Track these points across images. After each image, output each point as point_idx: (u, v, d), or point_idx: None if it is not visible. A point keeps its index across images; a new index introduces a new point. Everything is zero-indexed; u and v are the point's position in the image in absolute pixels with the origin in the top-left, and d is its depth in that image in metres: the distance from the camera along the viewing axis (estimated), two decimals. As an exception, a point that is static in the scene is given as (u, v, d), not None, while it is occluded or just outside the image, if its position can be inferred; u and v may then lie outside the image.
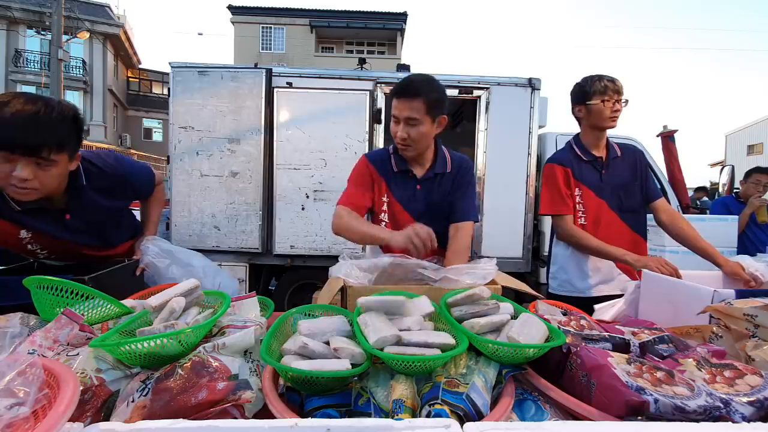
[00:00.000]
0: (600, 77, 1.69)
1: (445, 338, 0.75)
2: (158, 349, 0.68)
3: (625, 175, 1.76)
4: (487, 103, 3.60)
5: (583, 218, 1.74)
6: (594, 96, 1.67)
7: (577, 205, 1.74)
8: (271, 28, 19.50)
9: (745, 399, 0.61)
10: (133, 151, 15.46)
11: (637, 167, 1.78)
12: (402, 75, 3.71)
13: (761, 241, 3.27)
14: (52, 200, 1.16)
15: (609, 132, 1.77)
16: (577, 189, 1.74)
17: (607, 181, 1.74)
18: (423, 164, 1.48)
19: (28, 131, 0.96)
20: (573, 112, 1.78)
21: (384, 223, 1.50)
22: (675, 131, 4.11)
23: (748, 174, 3.44)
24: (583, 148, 1.76)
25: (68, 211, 1.19)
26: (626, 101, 1.69)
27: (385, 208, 1.48)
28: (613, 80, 1.68)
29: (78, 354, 0.70)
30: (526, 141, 3.61)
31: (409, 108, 1.32)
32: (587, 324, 0.88)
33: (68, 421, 0.48)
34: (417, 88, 1.32)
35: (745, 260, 1.38)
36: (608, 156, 1.77)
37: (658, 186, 2.86)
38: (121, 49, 19.63)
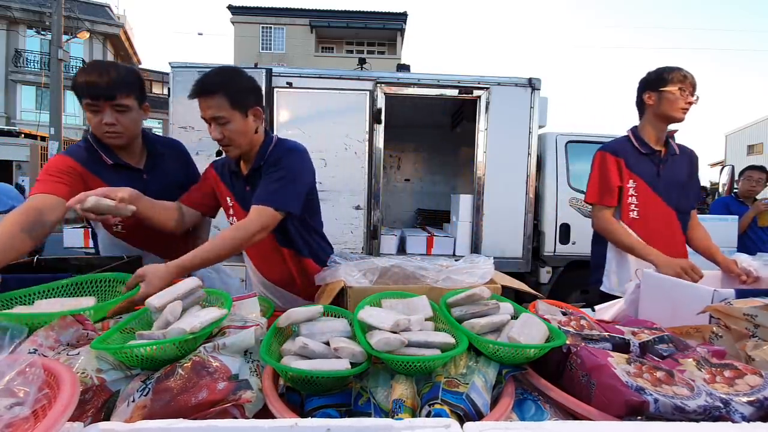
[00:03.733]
0: (680, 68, 1.62)
1: (445, 338, 0.75)
2: (158, 353, 0.68)
3: (682, 174, 1.71)
4: (487, 103, 3.60)
5: (635, 212, 1.67)
6: (671, 83, 1.60)
7: (630, 198, 1.67)
8: (271, 28, 19.50)
9: (744, 399, 0.61)
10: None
11: (693, 169, 1.74)
12: (402, 75, 3.71)
13: (763, 242, 3.29)
14: (134, 157, 1.41)
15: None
16: (630, 180, 1.66)
17: (665, 177, 1.67)
18: (249, 161, 1.36)
19: (106, 85, 1.24)
20: (639, 100, 1.71)
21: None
22: (675, 131, 4.10)
23: (742, 172, 3.53)
24: (641, 140, 1.70)
25: (146, 172, 1.42)
26: (698, 98, 1.62)
27: (231, 212, 1.42)
28: (691, 75, 1.62)
29: (78, 354, 0.70)
30: (526, 141, 3.61)
31: (210, 106, 1.21)
32: (587, 324, 0.88)
33: (68, 420, 0.48)
34: (213, 84, 1.20)
35: (740, 257, 1.40)
36: (667, 152, 1.71)
37: None
38: (121, 49, 19.63)
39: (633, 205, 1.66)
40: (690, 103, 1.61)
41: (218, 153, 1.38)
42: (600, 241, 1.80)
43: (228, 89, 1.21)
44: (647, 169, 1.67)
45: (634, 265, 1.62)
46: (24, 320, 0.76)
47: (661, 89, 1.62)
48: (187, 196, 1.41)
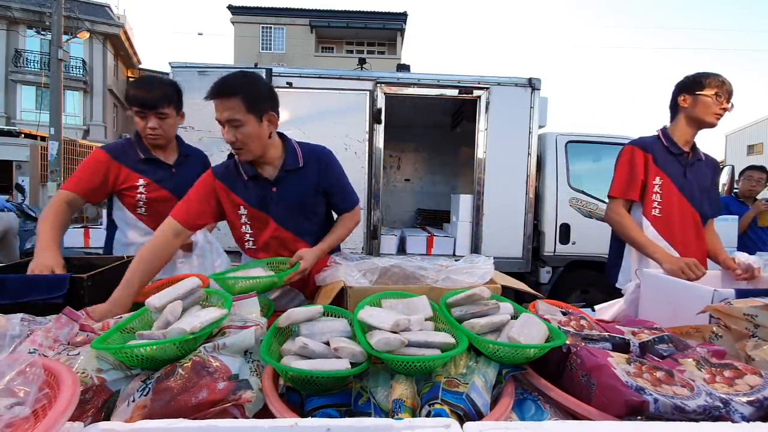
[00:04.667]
0: (717, 75, 1.62)
1: (445, 338, 0.75)
2: (158, 353, 0.68)
3: (707, 180, 1.71)
4: (487, 103, 3.60)
5: (657, 209, 1.65)
6: (707, 87, 1.60)
7: (654, 195, 1.66)
8: (271, 28, 19.49)
9: (744, 399, 0.61)
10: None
11: (714, 176, 1.75)
12: (402, 75, 3.72)
13: (763, 242, 3.29)
14: (167, 155, 1.69)
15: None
16: (657, 177, 1.66)
17: (691, 179, 1.67)
18: (273, 164, 1.39)
19: (151, 96, 1.55)
20: (673, 102, 1.72)
21: (248, 235, 1.41)
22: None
23: (742, 172, 3.53)
24: (670, 140, 1.69)
25: (174, 167, 1.68)
26: (732, 106, 1.63)
27: (244, 220, 1.39)
28: (729, 82, 1.62)
29: (78, 354, 0.70)
30: (526, 141, 3.61)
31: (226, 108, 1.22)
32: (587, 324, 0.88)
33: (69, 420, 0.48)
34: (231, 86, 1.22)
35: (738, 254, 1.42)
36: (694, 156, 1.70)
37: None
38: (121, 49, 19.62)
39: (656, 203, 1.65)
40: (724, 109, 1.61)
41: (230, 155, 1.38)
42: (619, 237, 1.78)
43: (245, 93, 1.22)
44: (675, 168, 1.67)
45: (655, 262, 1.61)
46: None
47: (697, 93, 1.62)
48: (186, 214, 1.32)
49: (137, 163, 1.61)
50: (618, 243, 1.79)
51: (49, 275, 1.13)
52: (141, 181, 1.60)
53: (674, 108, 1.72)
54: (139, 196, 1.60)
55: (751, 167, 3.52)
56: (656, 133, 1.75)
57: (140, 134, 1.62)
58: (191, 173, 1.66)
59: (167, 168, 1.66)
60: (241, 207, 1.38)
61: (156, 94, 1.55)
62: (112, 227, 1.69)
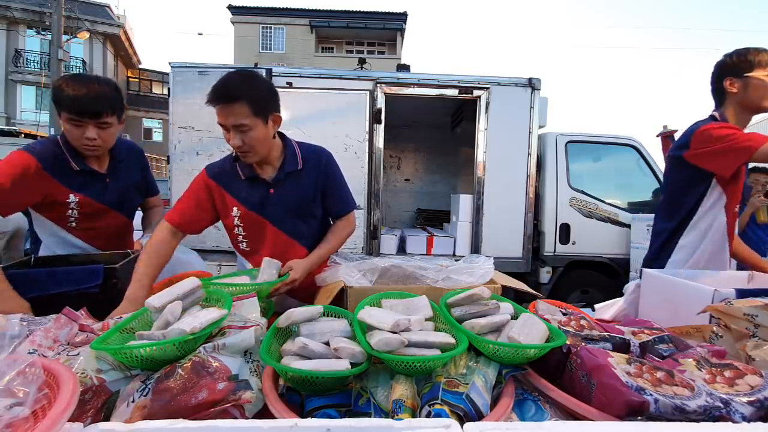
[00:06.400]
0: (766, 50, 1.39)
1: (445, 338, 0.75)
2: (158, 353, 0.68)
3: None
4: (487, 103, 3.60)
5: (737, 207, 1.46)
6: (758, 67, 1.37)
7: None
8: (271, 28, 19.48)
9: (745, 399, 0.61)
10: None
11: None
12: (402, 75, 3.72)
13: (762, 241, 3.28)
14: (100, 163, 1.49)
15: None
16: None
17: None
18: (272, 165, 1.36)
19: (93, 104, 1.31)
20: (718, 86, 1.47)
21: (241, 236, 1.40)
22: (675, 131, 4.10)
23: (747, 173, 3.47)
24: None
25: (108, 176, 1.50)
26: None
27: (237, 222, 1.37)
28: None
29: (78, 354, 0.70)
30: (526, 141, 3.61)
31: (233, 114, 1.17)
32: (587, 324, 0.88)
33: (68, 421, 0.48)
34: (234, 91, 1.16)
35: None
36: None
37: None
38: (121, 49, 19.61)
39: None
40: None
41: (235, 158, 1.37)
42: (676, 230, 1.51)
43: (251, 96, 1.18)
44: None
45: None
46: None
47: (747, 75, 1.39)
48: (181, 217, 1.33)
49: (70, 175, 1.39)
50: (661, 242, 1.55)
51: (87, 266, 1.19)
52: (72, 197, 1.40)
53: (720, 94, 1.48)
54: (70, 211, 1.41)
55: (756, 169, 3.45)
56: (713, 114, 1.50)
57: (74, 145, 1.38)
58: (125, 180, 1.56)
59: (101, 179, 1.47)
60: (235, 208, 1.36)
61: (99, 100, 1.31)
62: (37, 242, 1.48)
